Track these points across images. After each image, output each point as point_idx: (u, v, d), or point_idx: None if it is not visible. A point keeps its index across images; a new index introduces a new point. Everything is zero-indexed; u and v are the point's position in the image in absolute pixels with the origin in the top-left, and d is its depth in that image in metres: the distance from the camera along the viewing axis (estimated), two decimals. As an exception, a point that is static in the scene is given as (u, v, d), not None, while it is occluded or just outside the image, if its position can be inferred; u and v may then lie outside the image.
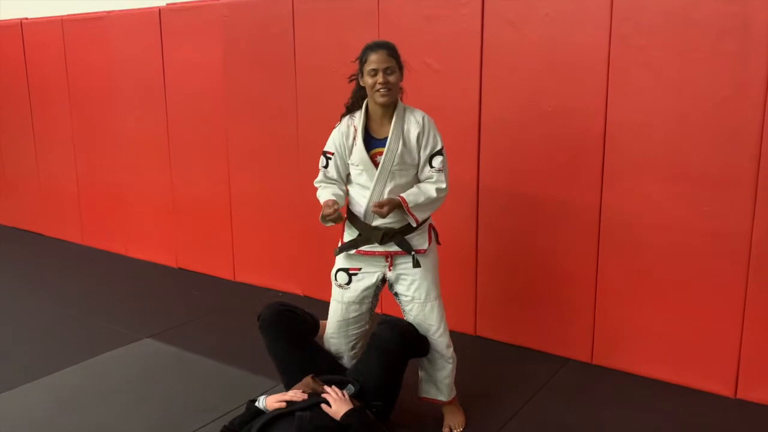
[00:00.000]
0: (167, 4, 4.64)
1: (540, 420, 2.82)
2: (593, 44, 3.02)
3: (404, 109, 2.56)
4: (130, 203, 5.23)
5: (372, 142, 2.56)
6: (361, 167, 2.57)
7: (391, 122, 2.53)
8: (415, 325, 2.65)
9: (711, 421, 2.79)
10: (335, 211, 2.45)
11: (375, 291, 2.70)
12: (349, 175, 2.65)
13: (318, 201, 2.62)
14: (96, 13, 5.10)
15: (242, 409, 2.51)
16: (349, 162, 2.60)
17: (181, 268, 4.98)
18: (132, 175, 5.15)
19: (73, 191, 5.67)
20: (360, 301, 2.70)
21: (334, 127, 2.64)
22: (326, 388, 2.42)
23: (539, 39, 3.16)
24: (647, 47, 2.90)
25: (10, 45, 5.85)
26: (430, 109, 3.44)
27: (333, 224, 2.51)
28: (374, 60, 2.45)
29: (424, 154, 2.54)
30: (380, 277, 2.66)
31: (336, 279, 2.70)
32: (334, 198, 2.54)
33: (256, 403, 2.44)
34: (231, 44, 4.31)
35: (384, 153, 2.51)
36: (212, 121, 4.52)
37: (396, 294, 2.68)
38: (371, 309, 2.77)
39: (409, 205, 2.50)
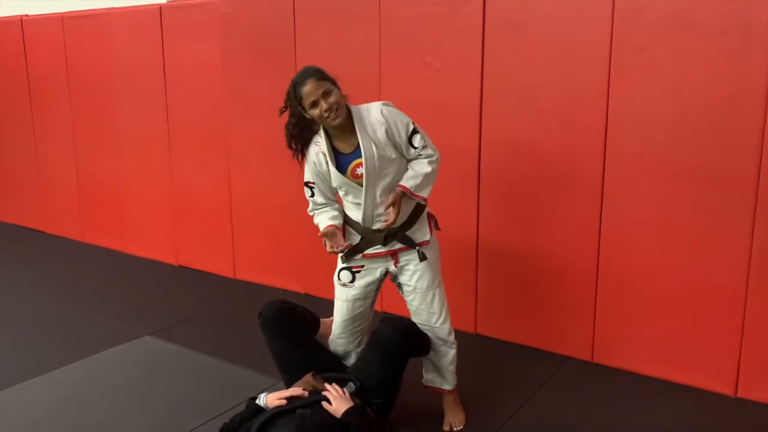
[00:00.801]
0: (168, 2, 4.64)
1: (540, 418, 2.82)
2: (594, 43, 3.02)
3: (360, 113, 2.51)
4: (130, 200, 5.23)
5: (345, 160, 2.53)
6: (344, 188, 2.57)
7: (353, 133, 2.49)
8: (417, 313, 2.67)
9: (711, 420, 2.79)
10: (344, 247, 2.50)
11: (378, 285, 2.73)
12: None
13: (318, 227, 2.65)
14: (96, 10, 5.10)
15: (242, 407, 2.52)
16: (333, 185, 2.59)
17: (181, 266, 4.98)
18: (132, 172, 5.15)
19: (73, 188, 5.67)
20: (365, 296, 2.72)
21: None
22: (327, 385, 2.43)
23: (540, 38, 3.16)
24: (648, 47, 2.90)
25: (11, 42, 5.84)
26: (430, 107, 3.47)
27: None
28: (308, 92, 2.41)
29: (402, 140, 2.51)
30: (383, 272, 2.68)
31: (339, 279, 2.71)
32: (334, 224, 2.57)
33: (257, 401, 2.45)
34: (231, 42, 4.31)
35: (363, 165, 2.48)
36: (212, 119, 4.52)
37: (399, 284, 2.69)
38: (373, 302, 2.80)
39: (412, 190, 2.50)
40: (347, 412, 2.31)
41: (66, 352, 3.51)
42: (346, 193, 2.59)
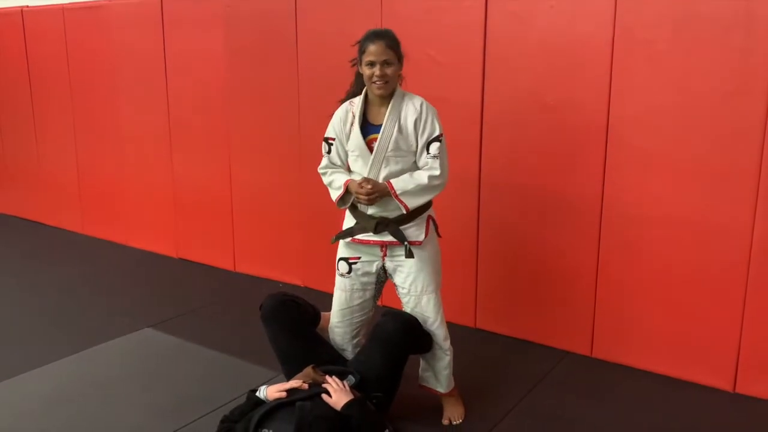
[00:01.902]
0: (169, -7, 4.62)
1: (539, 412, 2.83)
2: (597, 37, 3.01)
3: (403, 96, 2.55)
4: (130, 193, 5.22)
5: (369, 129, 2.55)
6: (356, 153, 2.57)
7: (387, 106, 2.52)
8: (413, 315, 2.66)
9: (710, 415, 2.80)
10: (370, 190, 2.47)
11: (377, 279, 2.72)
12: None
13: (324, 186, 2.68)
14: (97, 1, 5.08)
15: (242, 399, 2.52)
16: (347, 148, 2.60)
17: (181, 258, 4.99)
18: (133, 165, 5.15)
19: (74, 180, 5.67)
20: (362, 288, 2.72)
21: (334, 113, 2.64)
22: (327, 378, 2.43)
23: (543, 31, 3.15)
24: (651, 41, 2.89)
25: (11, 33, 5.83)
26: (432, 101, 3.43)
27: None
28: (372, 51, 2.44)
29: (422, 140, 2.51)
30: (380, 266, 2.67)
31: (338, 268, 2.73)
32: (349, 178, 2.58)
33: (257, 393, 2.45)
34: (233, 34, 4.30)
35: (378, 138, 2.50)
36: (214, 111, 4.52)
37: (396, 285, 2.69)
38: (374, 297, 2.78)
39: (397, 192, 2.48)
40: (347, 405, 2.32)
41: (66, 343, 3.51)
42: (355, 160, 2.59)
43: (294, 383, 2.43)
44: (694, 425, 2.73)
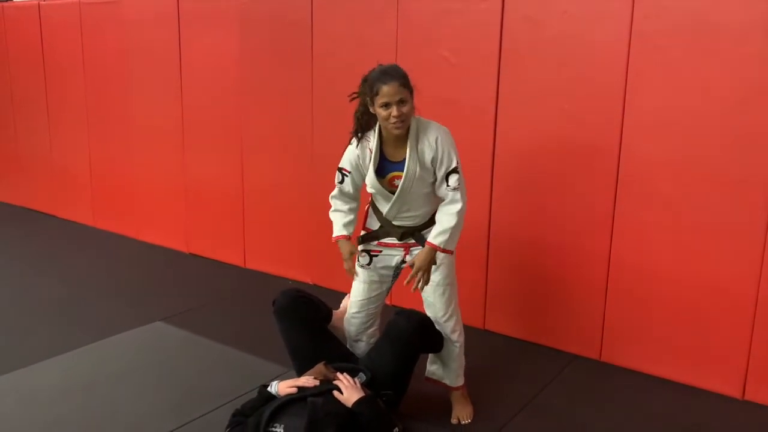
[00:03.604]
0: (186, -10, 4.66)
1: (547, 415, 2.84)
2: (613, 42, 3.02)
3: (417, 132, 2.52)
4: (142, 187, 5.26)
5: (388, 166, 2.57)
6: (374, 190, 2.62)
7: (405, 144, 2.51)
8: (429, 305, 2.70)
9: (717, 422, 2.80)
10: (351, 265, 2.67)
11: (395, 271, 2.78)
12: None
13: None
14: (114, -4, 5.13)
15: (252, 394, 2.55)
16: (367, 185, 2.63)
17: (192, 254, 5.01)
18: (145, 159, 5.18)
19: (86, 173, 5.71)
20: (380, 280, 2.78)
21: (348, 144, 2.63)
22: (338, 375, 2.45)
23: (558, 36, 3.16)
24: (667, 47, 2.90)
25: (28, 26, 5.88)
26: (445, 103, 3.47)
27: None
28: (386, 93, 2.39)
29: (440, 173, 2.53)
30: (400, 260, 2.74)
31: (358, 260, 2.76)
32: (345, 233, 2.68)
33: (269, 389, 2.47)
34: (248, 31, 4.32)
35: (402, 179, 2.52)
36: (227, 108, 4.54)
37: None
38: (388, 289, 2.84)
39: (443, 247, 2.53)
40: (358, 402, 2.34)
41: (78, 335, 3.55)
42: (375, 195, 2.65)
43: (306, 380, 2.45)
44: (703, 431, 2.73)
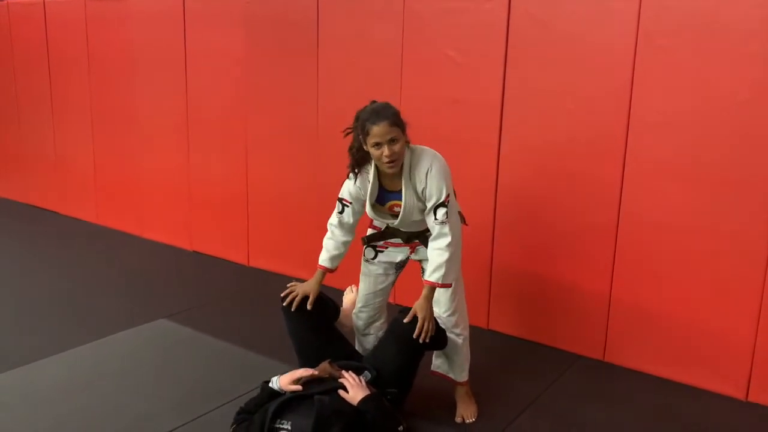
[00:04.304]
0: (191, -12, 4.66)
1: (551, 414, 2.84)
2: (619, 42, 3.02)
3: (411, 164, 2.52)
4: (146, 184, 5.27)
5: (387, 196, 2.61)
6: (377, 216, 2.67)
7: (401, 176, 2.53)
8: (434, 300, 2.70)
9: (721, 423, 2.80)
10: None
11: (400, 264, 2.81)
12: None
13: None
14: (119, -6, 5.13)
15: (255, 392, 2.54)
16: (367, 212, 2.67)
17: (195, 251, 5.02)
18: (149, 157, 5.19)
19: (90, 171, 5.72)
20: (385, 273, 2.82)
21: (346, 178, 2.66)
22: (344, 373, 2.45)
23: (565, 36, 3.16)
24: (673, 47, 2.90)
25: (32, 23, 5.88)
26: (450, 103, 3.48)
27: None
28: (377, 133, 2.40)
29: (428, 205, 2.54)
30: (405, 257, 2.78)
31: (364, 254, 2.81)
32: (327, 266, 2.72)
33: (270, 384, 2.47)
34: (253, 30, 4.33)
35: (401, 209, 2.56)
36: (231, 106, 4.55)
37: (423, 269, 2.74)
38: (393, 282, 2.88)
39: (441, 282, 2.54)
40: (363, 401, 2.34)
41: (81, 332, 3.55)
42: (377, 218, 2.70)
43: (302, 371, 2.46)
44: (706, 432, 2.74)
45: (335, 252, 2.73)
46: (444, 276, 2.53)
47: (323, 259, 2.75)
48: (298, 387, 2.41)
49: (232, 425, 2.46)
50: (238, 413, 2.48)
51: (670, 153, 2.97)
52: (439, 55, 3.53)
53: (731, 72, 2.79)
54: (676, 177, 2.97)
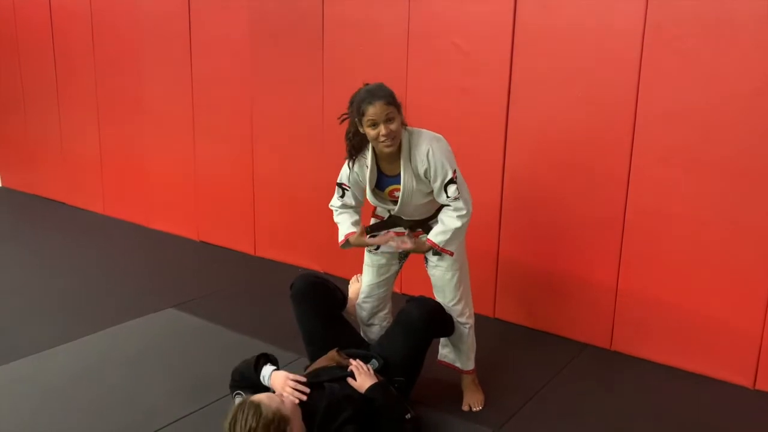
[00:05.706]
0: (196, -23, 4.64)
1: (557, 403, 2.85)
2: (627, 31, 3.00)
3: (409, 145, 2.50)
4: (152, 175, 5.28)
5: (385, 180, 2.59)
6: (377, 202, 2.67)
7: (399, 159, 2.51)
8: (437, 289, 2.72)
9: (729, 411, 2.80)
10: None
11: (404, 254, 2.81)
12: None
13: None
14: (124, -17, 5.12)
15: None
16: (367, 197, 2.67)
17: (202, 241, 5.03)
18: (155, 147, 5.19)
19: (96, 161, 5.73)
20: (388, 262, 2.82)
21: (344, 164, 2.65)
22: (351, 361, 2.46)
23: (572, 24, 3.14)
24: (682, 36, 2.88)
25: (37, 13, 5.87)
26: (456, 92, 3.47)
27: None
28: (372, 113, 2.37)
29: (436, 186, 2.53)
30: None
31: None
32: (354, 230, 2.66)
33: (261, 378, 2.46)
34: (258, 16, 4.31)
35: (401, 193, 2.55)
36: (237, 95, 4.54)
37: (426, 259, 2.73)
38: (397, 272, 2.88)
39: (441, 246, 2.56)
40: (371, 389, 2.35)
41: (89, 321, 3.57)
42: (377, 205, 2.70)
43: (294, 377, 2.38)
44: (713, 421, 2.73)
45: (353, 219, 2.70)
46: (447, 242, 2.55)
47: (345, 228, 2.67)
48: (303, 396, 2.31)
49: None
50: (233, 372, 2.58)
51: (679, 143, 2.96)
52: (446, 43, 3.51)
53: (741, 62, 2.77)
54: (684, 167, 2.96)
